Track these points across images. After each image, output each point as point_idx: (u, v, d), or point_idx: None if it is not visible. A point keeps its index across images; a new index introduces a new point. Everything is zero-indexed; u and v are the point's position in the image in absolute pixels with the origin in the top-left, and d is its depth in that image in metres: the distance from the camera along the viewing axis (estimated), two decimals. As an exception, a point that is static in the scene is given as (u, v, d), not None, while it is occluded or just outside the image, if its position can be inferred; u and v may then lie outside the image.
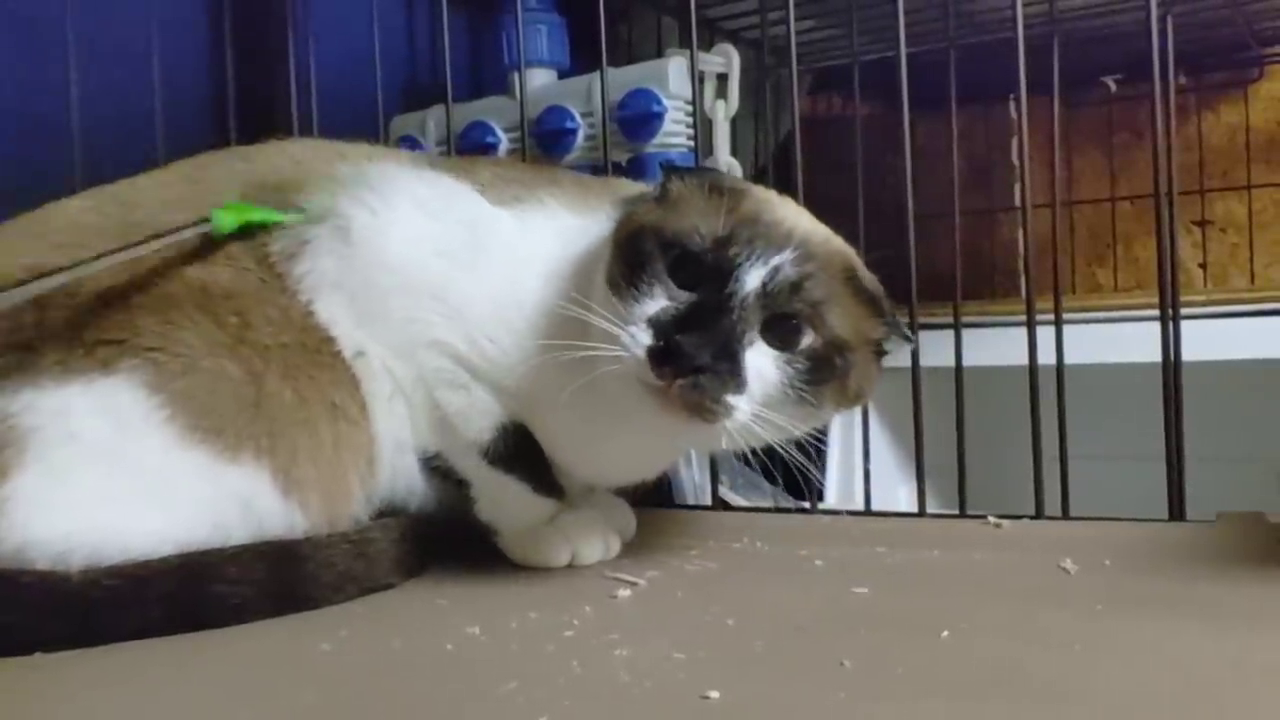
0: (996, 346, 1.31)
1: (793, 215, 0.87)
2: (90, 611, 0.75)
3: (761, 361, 0.80)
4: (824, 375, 0.82)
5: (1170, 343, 1.11)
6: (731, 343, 0.78)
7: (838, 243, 0.88)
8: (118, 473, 0.78)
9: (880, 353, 0.89)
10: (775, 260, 0.80)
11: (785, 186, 0.98)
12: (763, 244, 0.81)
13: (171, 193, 0.91)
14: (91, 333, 0.79)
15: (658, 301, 0.81)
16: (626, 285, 0.82)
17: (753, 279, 0.80)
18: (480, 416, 0.90)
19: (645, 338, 0.79)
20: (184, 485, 0.80)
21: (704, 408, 0.78)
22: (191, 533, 0.79)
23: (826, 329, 0.82)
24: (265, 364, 0.84)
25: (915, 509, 1.19)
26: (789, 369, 0.81)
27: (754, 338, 0.80)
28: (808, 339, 0.82)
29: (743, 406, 0.79)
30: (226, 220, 0.80)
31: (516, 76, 1.45)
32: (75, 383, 0.78)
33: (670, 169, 0.90)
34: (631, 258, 0.83)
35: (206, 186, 0.91)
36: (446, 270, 0.89)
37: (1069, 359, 1.13)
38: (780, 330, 0.81)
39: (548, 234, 0.92)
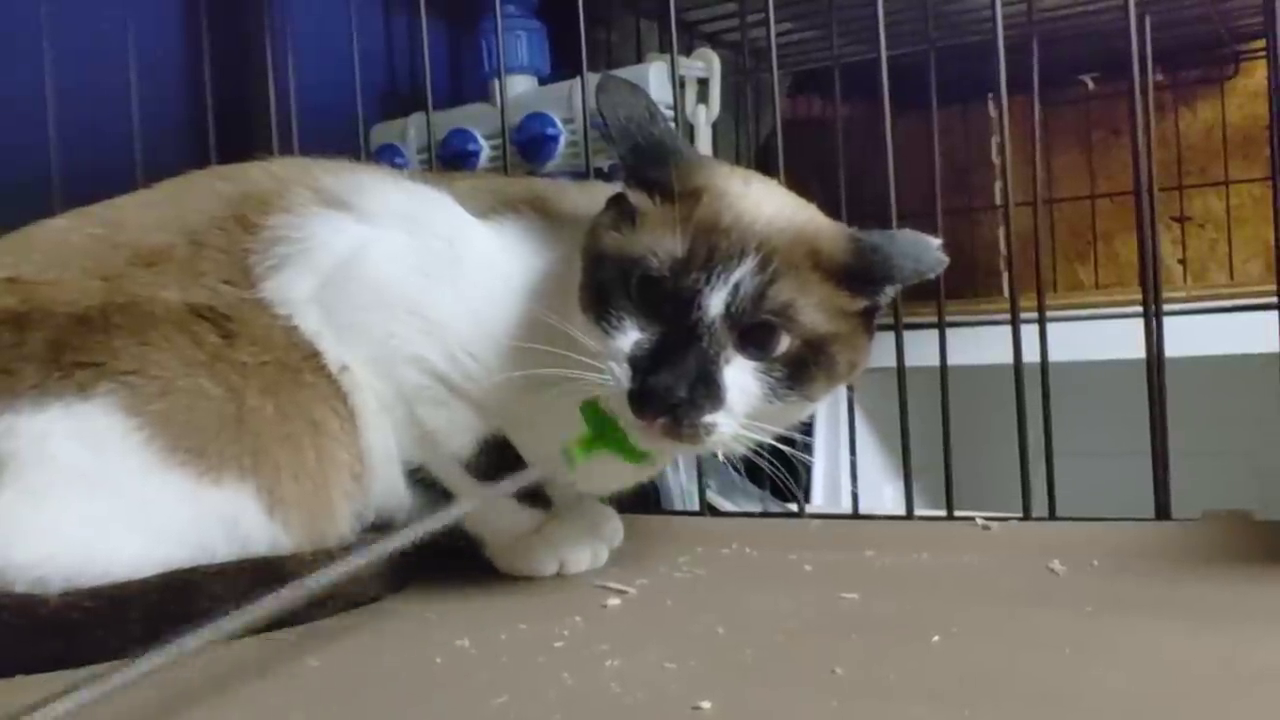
0: (980, 346, 1.31)
1: (752, 204, 0.83)
2: (71, 633, 0.74)
3: (742, 377, 0.80)
4: (807, 374, 0.82)
5: (1155, 340, 1.12)
6: (706, 367, 0.78)
7: (801, 220, 0.85)
8: (97, 496, 0.77)
9: (871, 315, 0.87)
10: (735, 276, 0.78)
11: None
12: (722, 259, 0.79)
13: (156, 213, 0.90)
14: (69, 355, 0.79)
15: (629, 335, 0.80)
16: (597, 318, 0.81)
17: (716, 303, 0.78)
18: (461, 432, 0.90)
19: (625, 380, 0.78)
20: (165, 507, 0.79)
21: (686, 436, 0.78)
22: (174, 554, 0.78)
23: (800, 328, 0.81)
24: (245, 380, 0.83)
25: (901, 509, 1.18)
26: (769, 378, 0.80)
27: (730, 355, 0.80)
28: (784, 343, 0.81)
29: (727, 423, 0.79)
30: (579, 454, 0.82)
31: (497, 83, 1.45)
32: (53, 406, 0.77)
33: (623, 147, 0.84)
34: (597, 284, 0.83)
35: (190, 206, 0.91)
36: (425, 285, 0.88)
37: (1051, 357, 1.13)
38: (756, 337, 0.80)
39: (527, 245, 0.92)
